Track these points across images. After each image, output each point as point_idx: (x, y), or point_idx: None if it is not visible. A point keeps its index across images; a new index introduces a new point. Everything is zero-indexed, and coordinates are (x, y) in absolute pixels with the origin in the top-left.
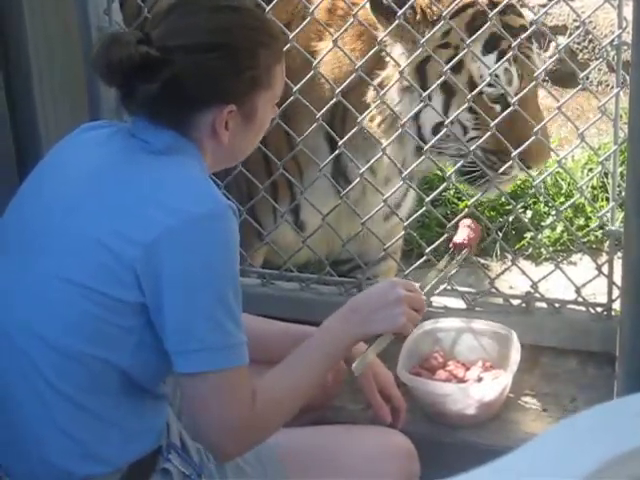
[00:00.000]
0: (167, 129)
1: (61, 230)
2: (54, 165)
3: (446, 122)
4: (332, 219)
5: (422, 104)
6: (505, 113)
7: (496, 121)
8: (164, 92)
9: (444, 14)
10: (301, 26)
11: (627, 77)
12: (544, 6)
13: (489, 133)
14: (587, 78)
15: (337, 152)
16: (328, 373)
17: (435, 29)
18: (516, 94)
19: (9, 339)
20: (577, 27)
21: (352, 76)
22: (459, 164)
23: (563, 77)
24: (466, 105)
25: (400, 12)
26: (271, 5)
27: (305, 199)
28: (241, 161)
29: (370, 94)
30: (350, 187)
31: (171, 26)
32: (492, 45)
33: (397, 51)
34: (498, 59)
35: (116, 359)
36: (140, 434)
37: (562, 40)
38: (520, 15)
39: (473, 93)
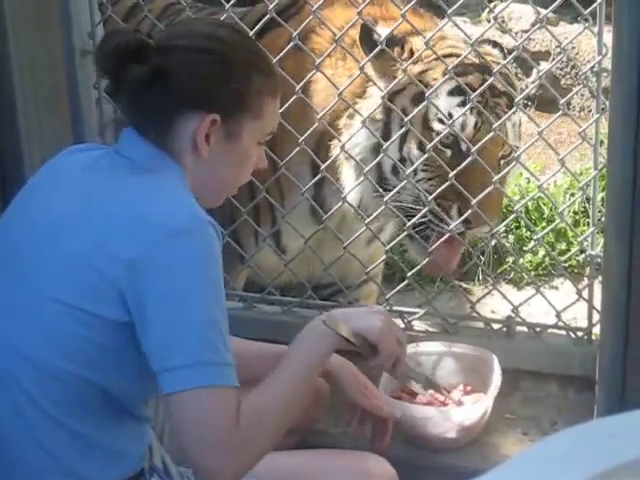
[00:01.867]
0: (151, 144)
1: (45, 249)
2: (41, 186)
3: (396, 160)
4: (313, 243)
5: (379, 134)
6: (460, 161)
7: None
8: (153, 80)
9: (423, 55)
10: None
11: (607, 103)
12: (526, 31)
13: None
14: (569, 103)
15: (319, 176)
16: (312, 383)
17: (414, 67)
18: (472, 143)
19: None
20: (559, 53)
21: (335, 101)
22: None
23: (545, 102)
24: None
25: (375, 49)
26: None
27: (287, 223)
28: (221, 201)
29: (342, 121)
30: (331, 212)
31: (172, 31)
32: (460, 91)
33: (377, 87)
34: (461, 104)
35: (98, 378)
36: (123, 455)
37: (545, 65)
38: (509, 82)
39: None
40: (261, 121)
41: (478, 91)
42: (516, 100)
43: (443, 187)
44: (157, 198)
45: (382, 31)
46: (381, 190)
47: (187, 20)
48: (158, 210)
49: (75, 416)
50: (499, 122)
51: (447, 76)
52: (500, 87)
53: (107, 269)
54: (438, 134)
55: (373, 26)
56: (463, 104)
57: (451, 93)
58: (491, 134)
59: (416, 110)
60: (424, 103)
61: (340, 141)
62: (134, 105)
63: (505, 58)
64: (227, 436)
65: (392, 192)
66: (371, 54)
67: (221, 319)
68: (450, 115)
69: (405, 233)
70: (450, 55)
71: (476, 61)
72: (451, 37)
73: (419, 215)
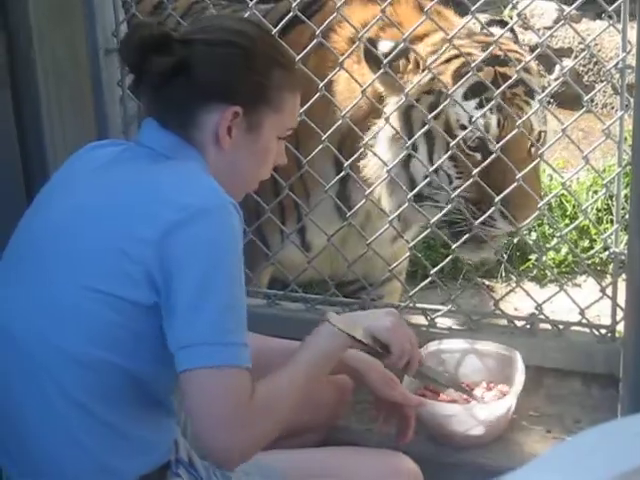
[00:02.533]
0: (172, 133)
1: (72, 240)
2: (63, 181)
3: (429, 170)
4: (337, 241)
5: (406, 152)
6: (487, 161)
7: (477, 169)
8: (177, 72)
9: (429, 63)
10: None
11: (631, 100)
12: (550, 28)
13: (470, 180)
14: (592, 100)
15: (343, 173)
16: (324, 374)
17: (421, 77)
18: (498, 141)
19: (25, 351)
20: (582, 50)
21: (359, 98)
22: (441, 213)
23: (568, 99)
24: (449, 153)
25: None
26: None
27: (311, 220)
28: (245, 193)
29: (368, 126)
30: (355, 209)
31: (196, 25)
32: (474, 92)
33: (392, 102)
34: (479, 106)
35: (130, 365)
36: (150, 447)
37: (567, 62)
38: (520, 67)
39: (455, 141)
40: (281, 115)
41: (500, 89)
42: (539, 98)
43: (466, 184)
44: (180, 180)
45: (385, 45)
46: (415, 205)
47: (210, 16)
48: (181, 191)
49: (107, 405)
50: (521, 120)
51: (462, 81)
52: (514, 75)
53: (134, 251)
54: (464, 140)
55: (376, 41)
56: (481, 105)
57: (466, 97)
58: (514, 131)
59: (430, 113)
60: (438, 109)
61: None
62: (157, 97)
63: (516, 37)
64: (240, 414)
65: (413, 191)
66: (377, 74)
67: (241, 299)
68: (471, 119)
69: (456, 244)
70: (452, 58)
71: (482, 53)
72: (456, 36)
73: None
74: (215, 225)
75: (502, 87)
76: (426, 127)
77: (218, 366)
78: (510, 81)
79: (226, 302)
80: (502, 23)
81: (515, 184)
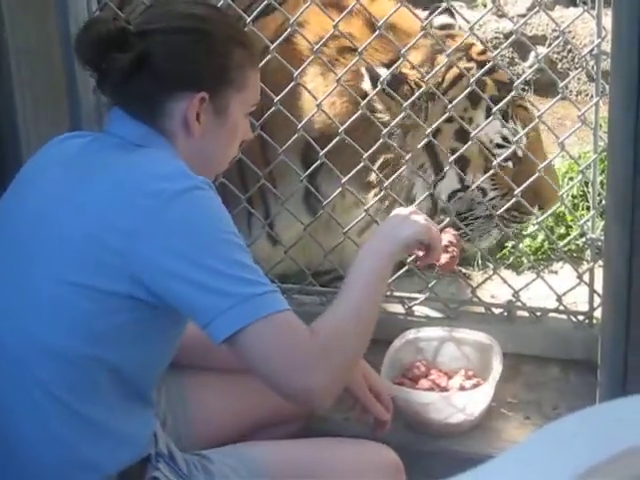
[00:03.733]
0: (140, 122)
1: (48, 233)
2: (34, 174)
3: (471, 188)
4: (306, 233)
5: (437, 177)
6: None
7: (522, 187)
8: (137, 67)
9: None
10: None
11: (606, 86)
12: (523, 16)
13: (514, 197)
14: (566, 87)
15: (319, 162)
16: (381, 294)
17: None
18: (525, 146)
19: (2, 345)
20: (556, 37)
21: (314, 112)
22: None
23: (543, 86)
24: (490, 172)
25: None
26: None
27: (280, 212)
28: (216, 174)
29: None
30: (329, 199)
31: (150, 14)
32: (491, 110)
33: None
34: (502, 118)
35: (112, 357)
36: (130, 440)
37: (542, 50)
38: (502, 68)
39: (497, 160)
40: (245, 93)
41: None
42: (515, 84)
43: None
44: (149, 166)
45: (382, 72)
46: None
47: (163, 1)
48: (152, 176)
49: (88, 400)
50: (519, 81)
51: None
52: (506, 78)
53: (112, 242)
54: (499, 155)
55: (375, 69)
56: (504, 117)
57: (489, 113)
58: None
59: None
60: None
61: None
62: (121, 92)
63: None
64: (306, 353)
65: (392, 178)
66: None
67: (246, 257)
68: (505, 138)
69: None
70: (462, 75)
71: (473, 63)
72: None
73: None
74: (192, 205)
75: (508, 96)
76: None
77: (260, 318)
78: (517, 83)
79: (234, 263)
80: (448, 11)
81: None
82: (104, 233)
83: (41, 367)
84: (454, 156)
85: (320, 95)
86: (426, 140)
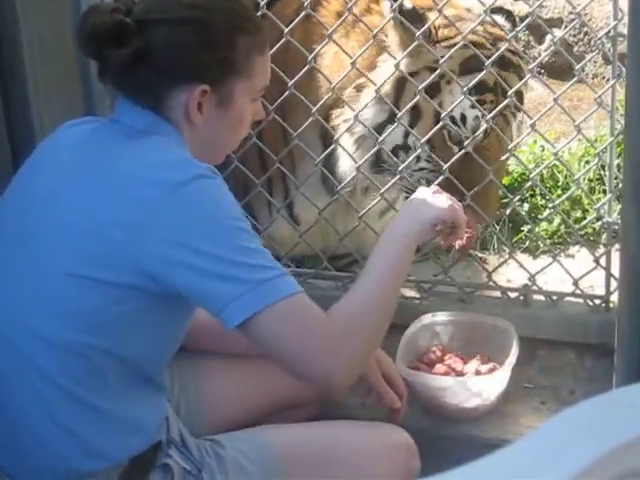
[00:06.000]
0: (146, 110)
1: (53, 223)
2: (43, 160)
3: (421, 141)
4: (325, 214)
5: (387, 113)
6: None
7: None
8: (136, 61)
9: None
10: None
11: (623, 69)
12: None
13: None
14: (583, 70)
15: (332, 147)
16: (403, 274)
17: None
18: (476, 145)
19: (7, 339)
20: (572, 19)
21: (349, 70)
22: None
23: (559, 69)
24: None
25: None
26: None
27: (301, 193)
28: (223, 158)
29: (347, 92)
30: (347, 181)
31: (152, 3)
32: (476, 91)
33: (390, 61)
34: (472, 105)
35: (115, 347)
36: (140, 427)
37: (558, 32)
38: (521, 77)
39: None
40: (253, 80)
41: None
42: (530, 67)
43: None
44: (155, 155)
45: (408, 3)
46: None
47: None
48: (155, 165)
49: (93, 389)
50: (535, 64)
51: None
52: (513, 85)
53: (116, 234)
54: (448, 131)
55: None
56: (477, 102)
57: (468, 91)
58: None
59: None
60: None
61: (353, 110)
62: (122, 83)
63: (514, 27)
64: (323, 336)
65: (404, 164)
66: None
67: (254, 241)
68: (463, 117)
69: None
70: (467, 46)
71: (492, 50)
72: (468, 17)
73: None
74: (196, 194)
75: (507, 98)
76: (416, 99)
77: (275, 302)
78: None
79: (242, 249)
80: (505, 12)
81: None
82: (108, 224)
83: (46, 359)
84: (406, 108)
85: (345, 61)
86: (399, 77)
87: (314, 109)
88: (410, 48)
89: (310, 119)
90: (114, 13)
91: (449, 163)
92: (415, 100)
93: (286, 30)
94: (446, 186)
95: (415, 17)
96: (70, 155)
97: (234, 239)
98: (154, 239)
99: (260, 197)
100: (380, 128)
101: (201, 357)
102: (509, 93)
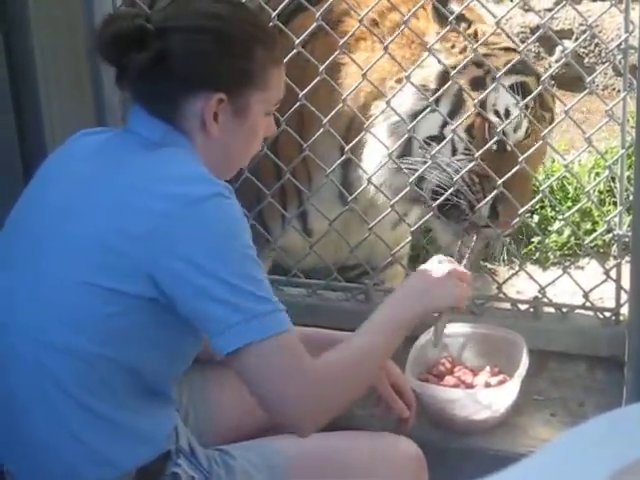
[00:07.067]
0: (160, 120)
1: (64, 233)
2: (56, 170)
3: (455, 128)
4: (340, 226)
5: (429, 107)
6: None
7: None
8: (155, 65)
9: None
10: None
11: (634, 81)
12: (550, 10)
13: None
14: (593, 82)
15: (344, 157)
16: (391, 352)
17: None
18: (518, 146)
19: (17, 348)
20: (583, 31)
21: (359, 82)
22: (420, 170)
23: (569, 81)
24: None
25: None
26: None
27: (312, 205)
28: (234, 173)
29: (389, 84)
30: (356, 193)
31: (171, 11)
32: (517, 90)
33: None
34: (517, 104)
35: (126, 357)
36: (149, 437)
37: (568, 44)
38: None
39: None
40: (268, 92)
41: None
42: (542, 78)
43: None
44: (168, 169)
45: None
46: (403, 168)
47: None
48: (172, 180)
49: (104, 399)
50: (547, 75)
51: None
52: (549, 102)
53: (126, 247)
54: (489, 125)
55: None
56: (517, 104)
57: (512, 89)
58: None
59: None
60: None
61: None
62: (139, 89)
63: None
64: (305, 380)
65: (417, 173)
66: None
67: (259, 272)
68: (507, 112)
69: (430, 213)
70: (510, 49)
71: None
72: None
73: (447, 193)
74: (214, 213)
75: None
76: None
77: (269, 336)
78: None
79: (245, 277)
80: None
81: (516, 189)
82: (117, 237)
83: (56, 367)
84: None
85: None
86: (443, 70)
87: (324, 120)
88: (443, 32)
89: (323, 131)
90: (135, 18)
91: (481, 151)
92: (457, 91)
93: (297, 41)
94: (481, 182)
95: (460, 19)
96: (83, 165)
97: (244, 267)
98: (166, 251)
99: (273, 208)
100: (412, 119)
101: (210, 367)
102: (542, 78)
